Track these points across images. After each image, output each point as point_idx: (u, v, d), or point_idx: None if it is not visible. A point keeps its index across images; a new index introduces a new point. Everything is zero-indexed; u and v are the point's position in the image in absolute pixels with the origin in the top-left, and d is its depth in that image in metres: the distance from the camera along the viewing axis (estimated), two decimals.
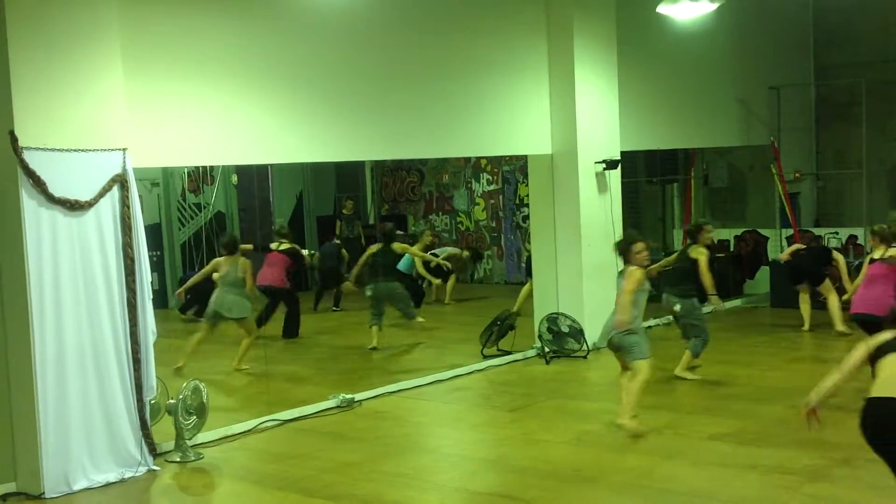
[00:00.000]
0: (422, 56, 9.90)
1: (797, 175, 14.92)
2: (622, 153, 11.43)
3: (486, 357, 10.91)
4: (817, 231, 14.64)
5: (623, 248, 7.97)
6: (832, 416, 7.87)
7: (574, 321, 10.79)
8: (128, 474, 7.16)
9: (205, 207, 16.22)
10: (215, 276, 10.71)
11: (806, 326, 11.59)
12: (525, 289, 12.78)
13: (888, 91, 14.54)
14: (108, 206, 7.17)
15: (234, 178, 16.09)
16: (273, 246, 12.56)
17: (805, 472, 6.66)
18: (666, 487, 6.50)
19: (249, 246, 12.39)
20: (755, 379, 9.44)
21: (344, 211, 16.45)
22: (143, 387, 7.35)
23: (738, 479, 6.63)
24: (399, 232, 15.00)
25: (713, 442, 7.45)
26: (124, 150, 7.25)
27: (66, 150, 6.89)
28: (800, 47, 15.33)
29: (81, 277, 7.00)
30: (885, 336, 5.23)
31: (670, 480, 6.61)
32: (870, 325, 8.58)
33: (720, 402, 8.84)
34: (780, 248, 14.42)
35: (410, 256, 13.66)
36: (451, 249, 15.98)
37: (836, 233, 14.28)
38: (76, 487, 6.89)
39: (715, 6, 10.68)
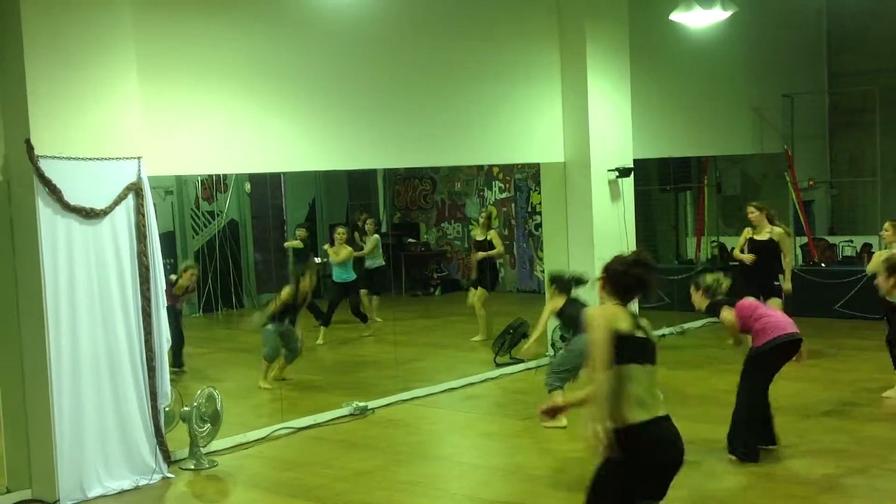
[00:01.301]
0: (434, 64, 9.91)
1: (811, 183, 14.88)
2: (635, 161, 11.41)
3: (498, 365, 10.90)
4: (832, 239, 14.60)
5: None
6: (847, 425, 7.89)
7: None
8: (142, 482, 7.18)
9: (218, 215, 16.28)
10: None
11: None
12: (473, 298, 12.61)
13: None
14: (123, 215, 7.20)
15: (248, 186, 16.14)
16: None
17: (820, 482, 6.63)
18: (678, 496, 6.45)
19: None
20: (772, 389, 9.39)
21: (359, 223, 16.36)
22: (158, 394, 7.37)
23: (753, 489, 6.60)
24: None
25: (726, 451, 7.42)
26: (139, 158, 7.29)
27: (82, 159, 6.92)
28: (813, 55, 15.30)
29: (96, 285, 7.03)
30: (622, 325, 4.37)
31: (683, 489, 6.57)
32: None
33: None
34: (794, 256, 14.37)
35: (347, 260, 13.08)
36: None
37: (851, 241, 14.24)
38: (91, 495, 6.91)
39: (728, 14, 10.67)
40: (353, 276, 13.20)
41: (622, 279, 4.55)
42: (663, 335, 12.29)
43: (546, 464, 7.34)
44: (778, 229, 10.43)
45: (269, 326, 10.36)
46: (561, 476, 7.01)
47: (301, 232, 14.29)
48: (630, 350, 4.39)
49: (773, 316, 7.22)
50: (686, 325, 12.81)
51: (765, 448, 7.15)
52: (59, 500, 6.81)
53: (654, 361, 4.49)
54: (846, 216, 15.46)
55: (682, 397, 9.16)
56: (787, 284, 10.23)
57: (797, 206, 14.22)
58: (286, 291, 10.49)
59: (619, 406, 4.33)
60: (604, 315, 4.42)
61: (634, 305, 6.81)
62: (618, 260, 4.64)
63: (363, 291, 13.85)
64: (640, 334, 4.46)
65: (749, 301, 7.32)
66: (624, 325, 4.42)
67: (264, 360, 10.42)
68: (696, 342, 12.07)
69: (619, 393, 4.33)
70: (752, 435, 7.10)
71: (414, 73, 9.71)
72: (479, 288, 12.63)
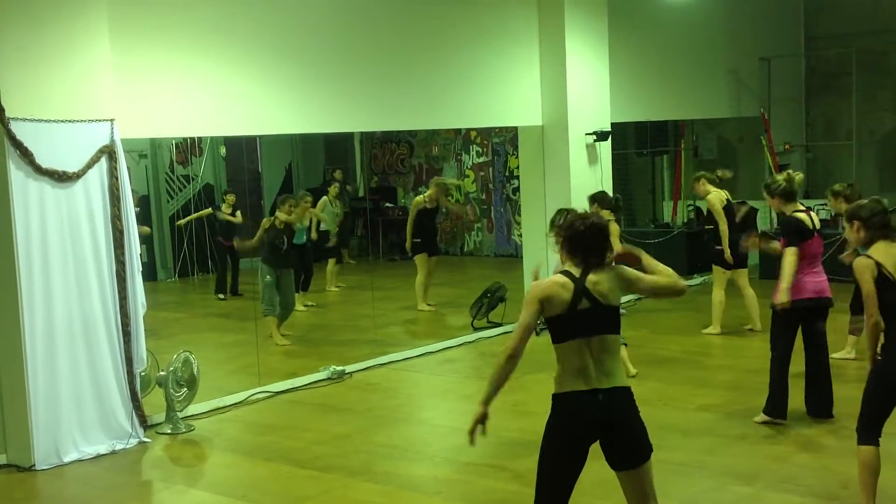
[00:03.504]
0: (412, 27, 9.83)
1: (787, 146, 14.93)
2: (612, 125, 11.40)
3: (476, 329, 10.92)
4: (807, 203, 14.64)
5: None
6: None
7: None
8: (118, 446, 7.16)
9: (193, 179, 16.14)
10: None
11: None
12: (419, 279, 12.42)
13: (878, 61, 14.53)
14: (97, 178, 7.13)
15: (223, 150, 15.98)
16: None
17: (795, 442, 6.71)
18: (655, 458, 6.50)
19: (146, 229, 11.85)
20: (744, 349, 9.48)
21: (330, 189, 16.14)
22: (133, 359, 7.34)
23: (728, 449, 6.67)
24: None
25: (702, 412, 7.49)
26: (112, 120, 7.19)
27: (54, 121, 6.83)
28: (790, 18, 15.29)
29: (70, 249, 6.97)
30: (559, 299, 4.19)
31: (660, 451, 6.58)
32: None
33: (709, 372, 8.88)
34: (769, 220, 14.44)
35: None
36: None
37: (825, 204, 14.30)
38: (67, 459, 6.89)
39: None
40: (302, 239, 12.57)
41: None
42: (639, 298, 12.34)
43: (523, 426, 7.37)
44: (711, 195, 10.31)
45: (268, 278, 10.43)
46: (538, 438, 6.97)
47: (230, 197, 13.88)
48: (566, 329, 4.29)
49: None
50: None
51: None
52: (34, 464, 6.78)
53: (603, 331, 4.26)
54: (821, 180, 15.52)
55: (656, 359, 9.24)
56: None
57: (773, 170, 14.26)
58: (265, 221, 10.64)
59: (558, 374, 4.39)
60: (541, 287, 4.27)
61: None
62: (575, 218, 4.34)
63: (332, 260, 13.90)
64: (583, 305, 4.23)
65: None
66: (562, 298, 4.21)
67: (264, 316, 10.52)
68: (669, 305, 12.12)
69: (559, 365, 4.37)
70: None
71: (391, 36, 9.62)
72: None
